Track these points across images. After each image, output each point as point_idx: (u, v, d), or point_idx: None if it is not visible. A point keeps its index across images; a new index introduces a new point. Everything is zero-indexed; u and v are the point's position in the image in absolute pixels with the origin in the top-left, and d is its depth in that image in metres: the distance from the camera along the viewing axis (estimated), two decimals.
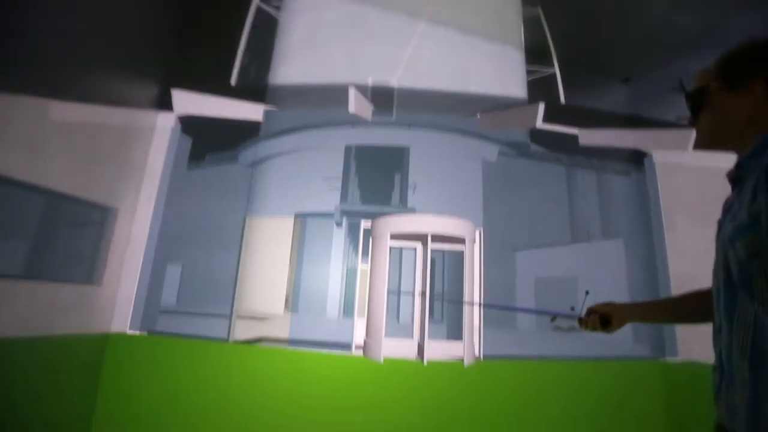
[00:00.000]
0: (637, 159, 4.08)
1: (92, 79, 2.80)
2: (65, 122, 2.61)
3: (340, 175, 4.80)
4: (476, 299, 3.49)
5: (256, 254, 3.98)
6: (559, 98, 3.66)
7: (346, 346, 3.34)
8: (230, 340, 3.36)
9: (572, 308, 1.37)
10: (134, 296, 3.32)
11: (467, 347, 3.08)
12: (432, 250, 3.61)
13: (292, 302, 4.23)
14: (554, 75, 3.61)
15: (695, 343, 3.44)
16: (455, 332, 3.46)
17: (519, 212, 5.02)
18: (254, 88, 3.84)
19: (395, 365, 3.03)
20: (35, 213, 2.55)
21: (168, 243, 3.75)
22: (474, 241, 3.57)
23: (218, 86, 3.68)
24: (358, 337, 3.43)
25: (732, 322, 0.96)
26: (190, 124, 3.73)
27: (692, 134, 3.83)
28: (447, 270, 4.25)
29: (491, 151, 5.05)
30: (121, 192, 3.20)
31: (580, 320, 1.34)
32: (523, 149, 4.95)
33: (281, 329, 3.64)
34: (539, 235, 4.80)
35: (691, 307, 1.20)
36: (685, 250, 3.44)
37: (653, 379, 3.42)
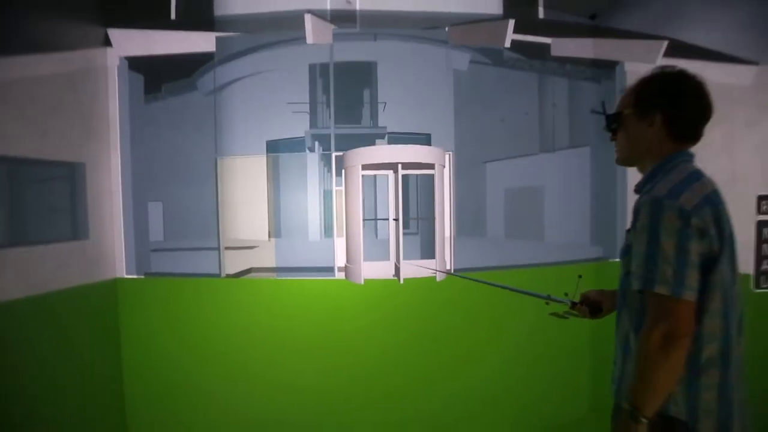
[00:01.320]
0: (608, 65, 4.02)
1: (21, 27, 2.53)
2: (3, 81, 2.44)
3: (307, 97, 4.63)
4: (447, 218, 3.77)
5: (232, 189, 4.06)
6: (537, 13, 3.44)
7: (329, 270, 3.68)
8: (222, 274, 3.64)
9: (566, 294, 1.42)
10: (123, 241, 3.48)
11: (438, 265, 3.45)
12: (405, 174, 3.76)
13: (274, 229, 4.46)
14: None
15: None
16: (429, 249, 3.80)
17: (490, 123, 5.04)
18: (198, 21, 3.47)
19: (374, 285, 3.43)
20: (1, 184, 2.53)
21: (143, 182, 3.78)
22: (444, 166, 3.70)
23: (158, 23, 3.32)
24: (340, 259, 3.76)
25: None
26: (138, 62, 3.46)
27: (663, 45, 3.74)
28: (420, 189, 4.44)
29: (463, 60, 4.84)
30: (83, 145, 3.13)
31: (573, 305, 1.41)
32: (495, 56, 4.76)
33: (268, 257, 3.92)
34: (509, 145, 4.91)
35: None
36: None
37: (604, 276, 3.94)
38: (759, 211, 1.98)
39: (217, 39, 3.69)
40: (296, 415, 3.20)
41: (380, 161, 3.65)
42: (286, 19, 3.74)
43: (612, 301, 1.37)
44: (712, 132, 3.45)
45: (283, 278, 3.62)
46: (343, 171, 3.92)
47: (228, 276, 3.63)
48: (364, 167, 3.60)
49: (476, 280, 2.17)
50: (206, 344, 3.24)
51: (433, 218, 3.61)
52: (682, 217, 1.00)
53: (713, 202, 1.06)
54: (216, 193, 4.05)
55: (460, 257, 3.93)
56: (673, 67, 1.19)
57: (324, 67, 4.61)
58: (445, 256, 3.68)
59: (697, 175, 1.13)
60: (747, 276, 2.02)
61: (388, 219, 3.84)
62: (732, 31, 2.94)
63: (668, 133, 1.16)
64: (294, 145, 4.75)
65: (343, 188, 3.81)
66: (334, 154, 4.04)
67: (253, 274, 3.71)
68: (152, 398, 3.17)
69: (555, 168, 4.45)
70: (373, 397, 3.26)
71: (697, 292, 1.00)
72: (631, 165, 1.25)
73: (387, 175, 3.97)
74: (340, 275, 3.67)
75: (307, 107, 4.60)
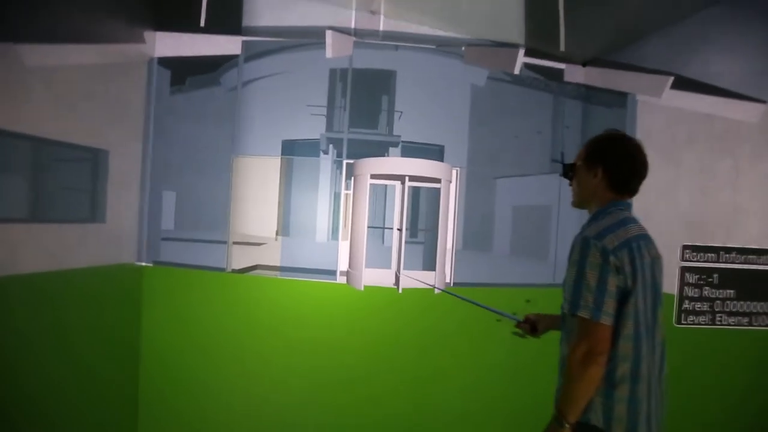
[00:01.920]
0: (621, 93, 4.06)
1: (66, 18, 2.68)
2: (42, 66, 2.58)
3: (326, 100, 4.73)
4: (450, 232, 3.83)
5: (246, 186, 4.18)
6: (559, 45, 3.50)
7: (332, 273, 3.77)
8: (228, 269, 3.76)
9: (515, 313, 1.61)
10: (137, 228, 3.62)
11: (438, 278, 3.51)
12: (412, 186, 3.84)
13: (283, 227, 4.57)
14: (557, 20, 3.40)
15: None
16: (431, 261, 3.87)
17: (503, 139, 5.09)
18: (227, 28, 3.61)
19: (374, 292, 3.50)
20: (26, 161, 2.67)
21: (160, 171, 3.92)
22: (450, 181, 3.76)
23: (189, 27, 3.46)
24: (343, 264, 3.84)
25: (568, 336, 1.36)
26: (168, 59, 3.60)
27: (669, 81, 3.78)
28: (428, 201, 4.51)
29: (481, 75, 4.90)
30: (109, 133, 3.26)
31: (518, 323, 1.59)
32: (513, 74, 4.82)
33: (274, 256, 4.03)
34: (520, 163, 4.95)
35: None
36: (648, 187, 3.69)
37: None
38: (682, 258, 2.19)
39: (243, 42, 3.82)
40: (288, 412, 3.28)
41: (388, 172, 3.72)
42: (310, 32, 3.84)
43: (546, 322, 1.59)
44: (718, 164, 3.46)
45: (287, 278, 3.72)
46: (352, 178, 4.02)
47: (234, 271, 3.73)
48: (373, 176, 3.68)
49: (449, 293, 2.29)
50: (206, 337, 3.34)
51: (436, 231, 3.66)
52: (603, 254, 1.18)
53: (632, 245, 1.22)
54: (229, 189, 4.17)
55: (462, 271, 3.98)
56: (617, 130, 1.37)
57: (344, 72, 4.69)
58: (446, 269, 3.75)
59: (625, 222, 1.29)
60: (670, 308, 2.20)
61: (393, 228, 3.93)
62: (741, 71, 2.98)
63: (608, 185, 1.34)
64: (309, 146, 4.86)
65: (351, 194, 3.90)
66: (345, 162, 4.14)
67: (258, 271, 3.82)
68: (150, 386, 3.25)
69: (564, 189, 4.46)
70: (362, 402, 3.33)
71: (613, 318, 1.17)
72: (582, 207, 1.42)
73: (394, 186, 4.05)
74: (342, 279, 3.75)
75: (324, 110, 4.71)
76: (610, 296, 1.17)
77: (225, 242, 3.95)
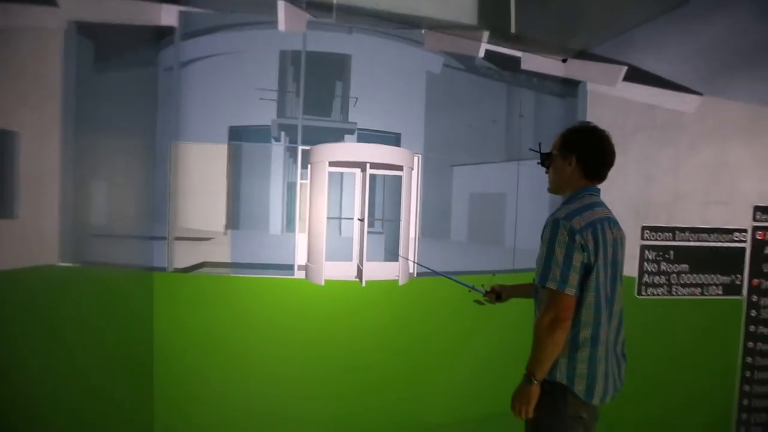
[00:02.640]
0: (572, 83, 4.20)
1: None
2: None
3: (276, 84, 4.42)
4: (413, 220, 3.74)
5: (188, 176, 3.80)
6: (509, 25, 3.50)
7: (289, 268, 3.53)
8: (170, 268, 3.38)
9: (482, 285, 1.86)
10: (59, 225, 3.12)
11: (402, 269, 3.41)
12: (373, 174, 3.69)
13: (233, 220, 4.21)
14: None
15: None
16: (393, 251, 3.76)
17: (458, 128, 5.10)
18: None
19: (336, 287, 3.32)
20: None
21: (89, 158, 3.42)
22: (412, 168, 3.67)
23: None
24: (300, 257, 3.61)
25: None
26: (90, 28, 3.11)
27: (623, 70, 3.93)
28: (386, 189, 4.39)
29: (436, 63, 4.85)
30: (15, 111, 2.77)
31: (485, 293, 1.84)
32: (467, 62, 4.83)
33: (223, 251, 3.70)
34: (476, 151, 4.99)
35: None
36: None
37: None
38: (642, 238, 2.45)
39: (181, 13, 3.42)
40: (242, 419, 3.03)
41: (349, 159, 3.55)
42: (259, 3, 3.55)
43: (508, 291, 1.83)
44: (661, 152, 3.69)
45: (239, 275, 3.41)
46: (309, 166, 3.78)
47: (176, 270, 3.37)
48: (332, 164, 3.49)
49: (427, 268, 2.66)
50: (150, 345, 2.96)
51: (399, 220, 3.55)
52: (570, 234, 1.37)
53: (596, 226, 1.40)
54: (169, 178, 3.76)
55: (422, 259, 3.93)
56: (588, 123, 1.55)
57: (296, 54, 4.42)
58: (409, 258, 3.66)
59: (592, 206, 1.46)
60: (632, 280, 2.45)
61: (353, 218, 3.75)
62: (681, 62, 3.18)
63: (581, 172, 1.51)
64: (259, 133, 4.53)
65: (308, 183, 3.67)
66: (300, 148, 3.89)
67: (205, 269, 3.47)
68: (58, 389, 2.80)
69: (519, 177, 4.58)
70: (333, 401, 3.16)
71: (577, 289, 1.37)
72: (557, 193, 1.59)
73: (354, 174, 3.88)
74: (300, 274, 3.52)
75: (275, 95, 4.40)
76: (575, 271, 1.35)
77: (165, 238, 3.55)
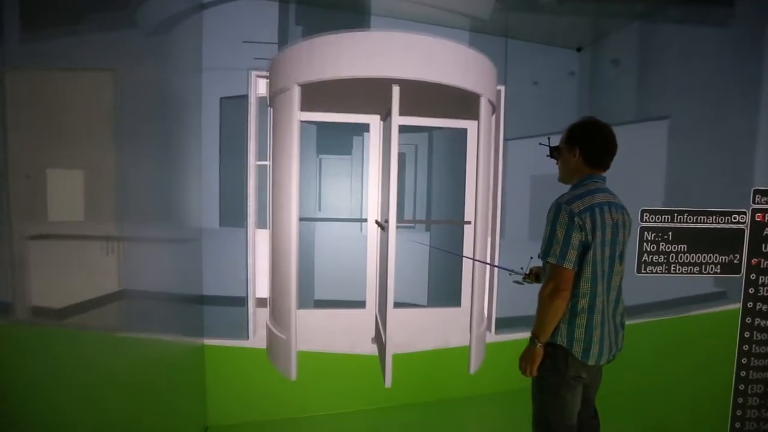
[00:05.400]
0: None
1: None
2: None
3: None
4: (489, 214, 2.66)
5: None
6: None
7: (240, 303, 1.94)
8: None
9: (522, 268, 2.02)
10: None
11: (475, 347, 2.08)
12: (401, 131, 1.80)
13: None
14: None
15: None
16: (444, 289, 2.33)
17: (516, 89, 3.07)
18: None
19: (324, 382, 1.92)
20: None
21: None
22: (493, 108, 2.15)
23: None
24: (259, 290, 1.93)
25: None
26: None
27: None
28: (435, 155, 2.70)
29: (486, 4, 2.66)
30: None
31: (526, 275, 2.02)
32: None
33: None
34: (539, 121, 3.11)
35: None
36: None
37: None
38: (641, 220, 2.56)
39: None
40: None
41: (352, 75, 1.78)
42: None
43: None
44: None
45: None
46: (269, 110, 1.91)
47: None
48: (310, 96, 1.75)
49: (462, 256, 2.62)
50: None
51: (469, 222, 2.17)
52: (570, 216, 1.56)
53: (595, 210, 1.57)
54: None
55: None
56: (591, 117, 1.71)
57: None
58: (485, 300, 2.31)
59: (594, 192, 1.64)
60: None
61: (360, 220, 2.18)
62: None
63: (585, 162, 1.68)
64: None
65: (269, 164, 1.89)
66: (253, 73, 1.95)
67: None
68: None
69: None
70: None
71: (575, 264, 1.56)
72: (565, 182, 1.77)
73: (364, 128, 2.10)
74: (245, 342, 1.81)
75: None
76: (573, 248, 1.55)
77: None
